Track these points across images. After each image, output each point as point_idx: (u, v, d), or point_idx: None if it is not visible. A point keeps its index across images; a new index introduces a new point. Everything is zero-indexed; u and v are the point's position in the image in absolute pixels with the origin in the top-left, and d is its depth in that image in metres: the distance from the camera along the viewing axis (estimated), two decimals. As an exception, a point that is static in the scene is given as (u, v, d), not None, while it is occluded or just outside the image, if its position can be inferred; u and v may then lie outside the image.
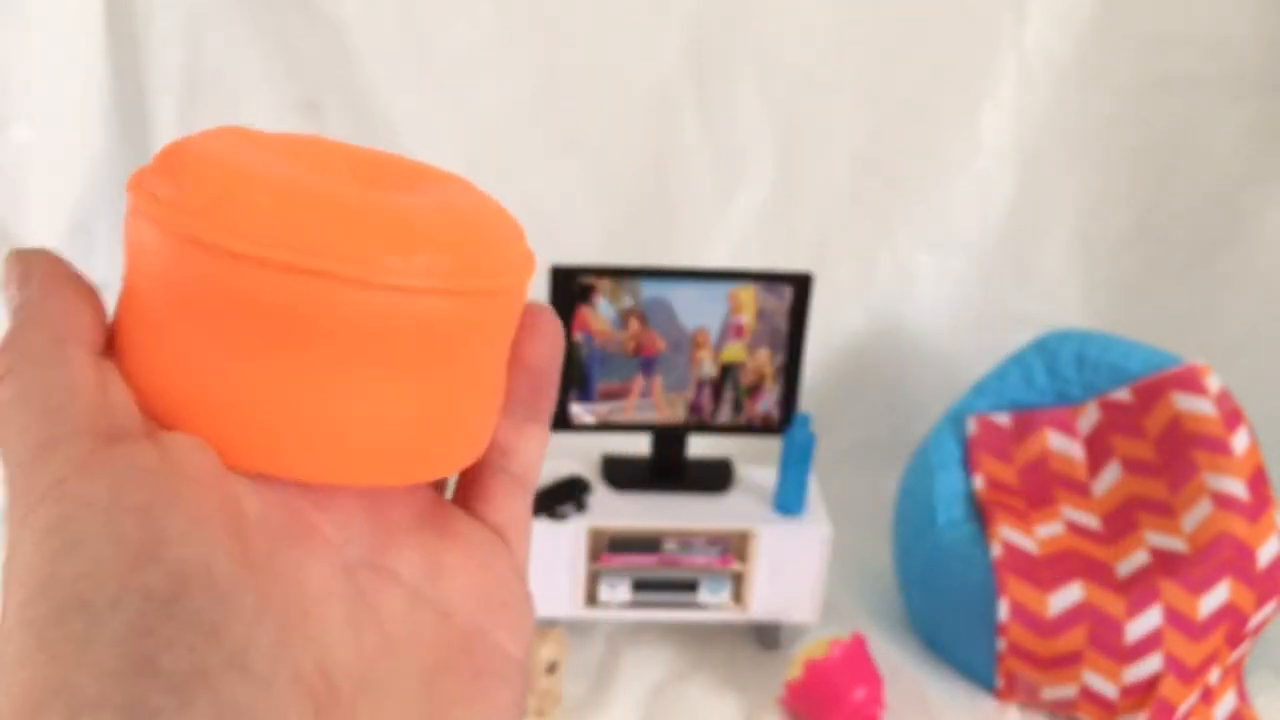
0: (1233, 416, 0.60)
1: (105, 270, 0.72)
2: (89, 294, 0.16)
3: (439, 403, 0.16)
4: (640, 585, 0.61)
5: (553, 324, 0.18)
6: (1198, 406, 0.60)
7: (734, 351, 0.62)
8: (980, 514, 0.64)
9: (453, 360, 0.16)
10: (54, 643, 0.11)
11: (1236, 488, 0.58)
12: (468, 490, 0.17)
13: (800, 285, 0.60)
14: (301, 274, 0.14)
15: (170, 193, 0.15)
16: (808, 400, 0.69)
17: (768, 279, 0.60)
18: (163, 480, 0.13)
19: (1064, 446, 0.65)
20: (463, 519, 0.17)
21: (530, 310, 0.18)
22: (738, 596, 0.62)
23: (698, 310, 0.61)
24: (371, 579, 0.15)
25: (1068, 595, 0.60)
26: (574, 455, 0.64)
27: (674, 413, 0.63)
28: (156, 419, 0.15)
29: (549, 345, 0.18)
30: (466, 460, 0.17)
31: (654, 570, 0.61)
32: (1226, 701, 0.61)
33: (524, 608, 0.16)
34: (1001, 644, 0.60)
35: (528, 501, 0.17)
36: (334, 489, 0.16)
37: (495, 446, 0.17)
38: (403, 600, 0.16)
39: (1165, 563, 0.59)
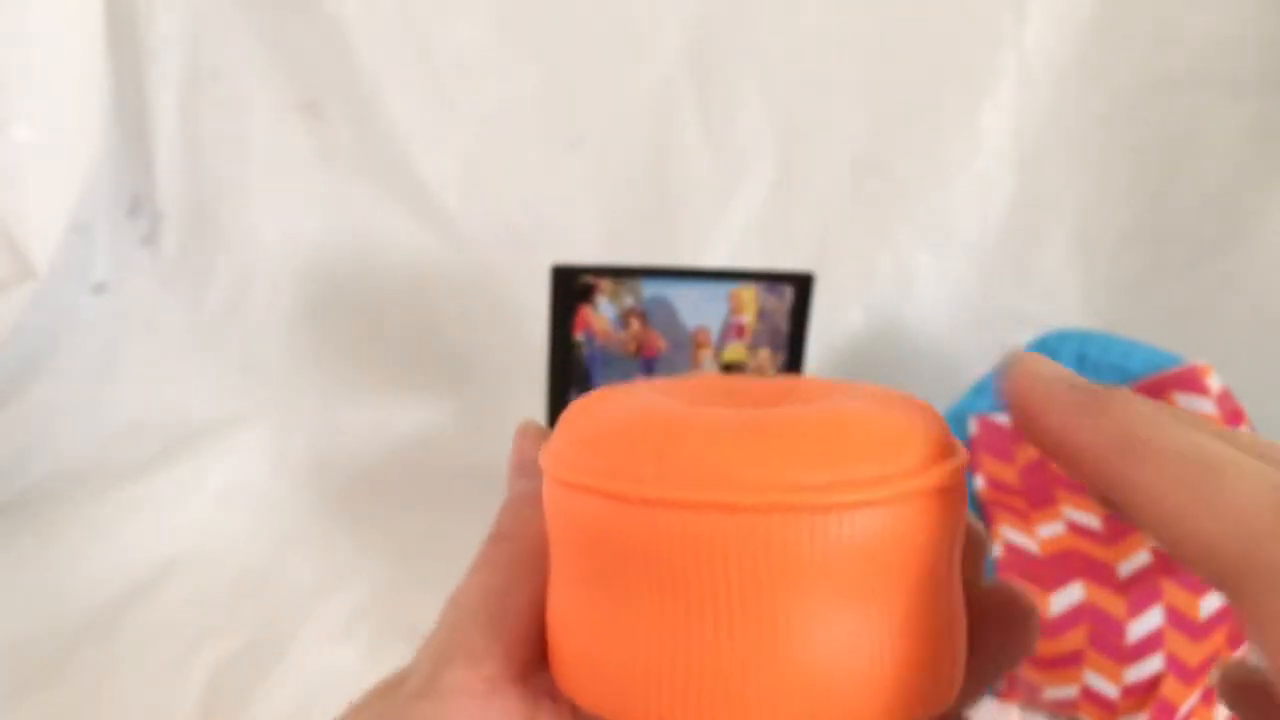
0: (1233, 416, 0.60)
1: (105, 270, 0.72)
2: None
3: (890, 634, 0.14)
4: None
5: (1026, 613, 0.17)
6: (1198, 406, 0.60)
7: (735, 351, 0.62)
8: (981, 514, 0.64)
9: (895, 581, 0.14)
10: None
11: (1237, 487, 0.58)
12: None
13: (801, 285, 0.60)
14: (739, 511, 0.13)
15: (590, 460, 0.14)
16: (808, 400, 0.69)
17: (768, 279, 0.60)
18: None
19: (1064, 446, 0.64)
20: None
21: (1002, 595, 0.17)
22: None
23: (699, 310, 0.61)
24: None
25: (1069, 595, 0.60)
26: (574, 455, 0.64)
27: (674, 413, 0.62)
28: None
29: (1019, 641, 0.16)
30: (937, 707, 0.15)
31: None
32: (1227, 701, 0.61)
33: None
34: (1002, 644, 0.60)
35: None
36: None
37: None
38: None
39: (1166, 563, 0.59)
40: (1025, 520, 0.64)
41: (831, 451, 0.14)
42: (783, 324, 0.61)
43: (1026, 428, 0.16)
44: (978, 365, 0.72)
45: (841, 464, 0.13)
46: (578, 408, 0.16)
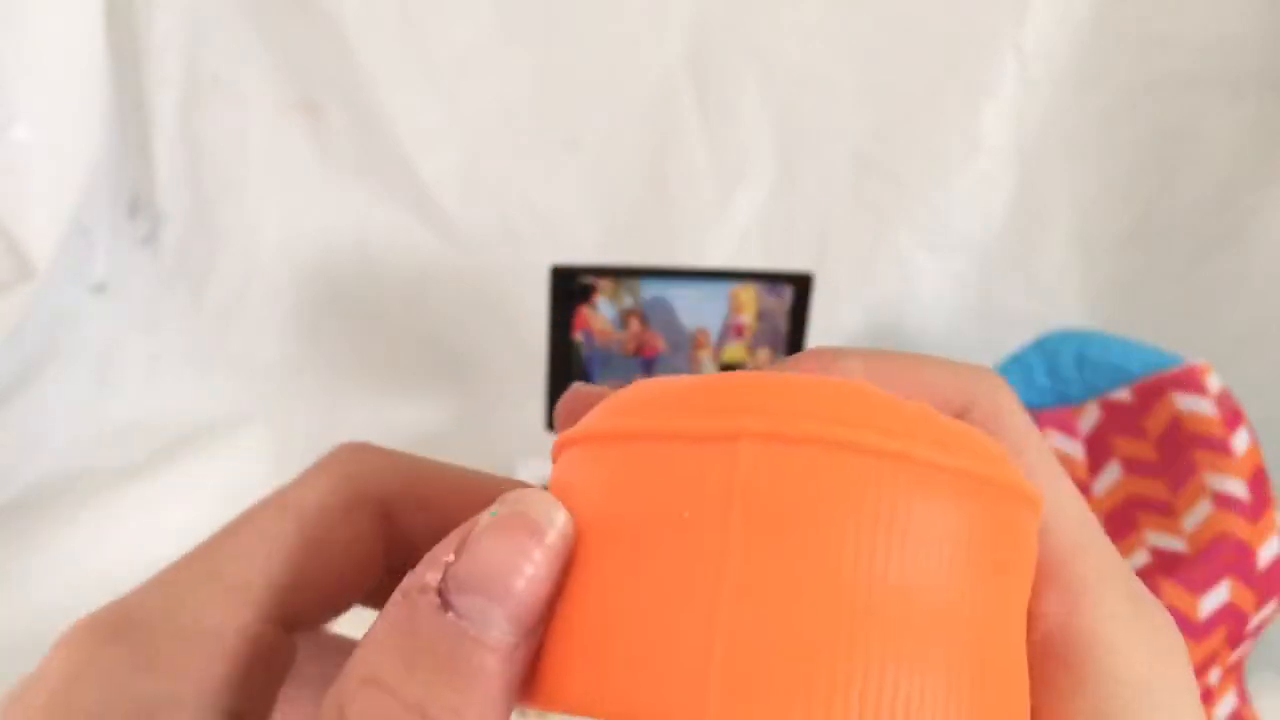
0: (1233, 416, 0.60)
1: (105, 270, 0.72)
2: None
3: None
4: (640, 585, 0.61)
5: None
6: (1198, 406, 0.60)
7: (734, 352, 0.62)
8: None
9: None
10: None
11: (1237, 488, 0.58)
12: None
13: (800, 285, 0.60)
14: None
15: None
16: (808, 400, 0.69)
17: (768, 279, 0.60)
18: None
19: (1064, 446, 0.65)
20: None
21: None
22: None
23: (698, 310, 0.61)
24: None
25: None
26: (574, 455, 0.64)
27: (674, 413, 0.63)
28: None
29: None
30: None
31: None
32: (1226, 702, 0.61)
33: None
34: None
35: None
36: None
37: None
38: None
39: (1165, 563, 0.59)
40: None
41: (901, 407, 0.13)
42: (782, 324, 0.61)
43: None
44: (977, 365, 0.72)
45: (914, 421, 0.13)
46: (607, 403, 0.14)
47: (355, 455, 0.18)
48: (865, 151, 0.75)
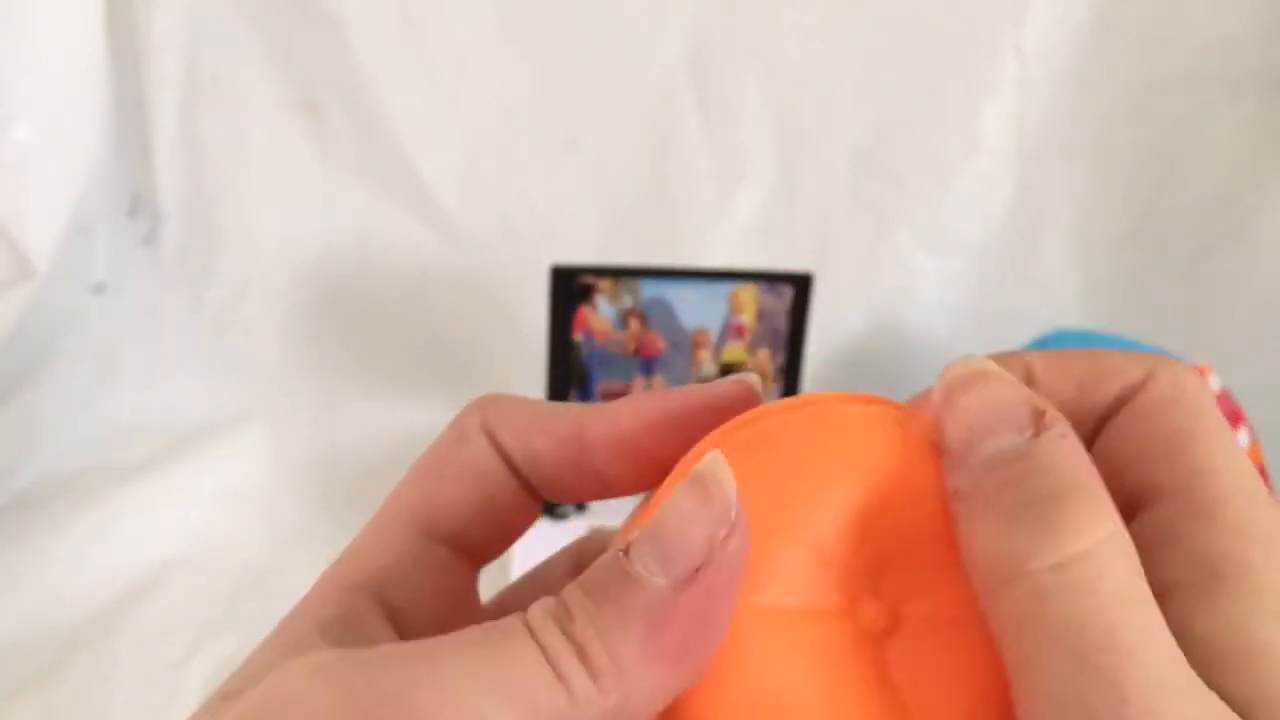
0: (1233, 416, 0.60)
1: (105, 270, 0.72)
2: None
3: None
4: (640, 585, 0.61)
5: None
6: (1198, 406, 0.60)
7: (734, 352, 0.62)
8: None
9: None
10: None
11: (1237, 488, 0.58)
12: None
13: (800, 285, 0.60)
14: None
15: None
16: (808, 400, 0.69)
17: (768, 279, 0.60)
18: None
19: (1064, 446, 0.64)
20: None
21: None
22: (738, 596, 0.62)
23: (698, 310, 0.61)
24: None
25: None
26: (574, 455, 0.64)
27: (674, 413, 0.63)
28: None
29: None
30: None
31: (654, 570, 0.61)
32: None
33: None
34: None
35: None
36: None
37: None
38: None
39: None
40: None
41: None
42: (782, 324, 0.61)
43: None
44: (977, 365, 0.72)
45: None
46: None
47: (496, 407, 0.20)
48: (865, 151, 0.75)
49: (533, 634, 0.13)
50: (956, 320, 0.79)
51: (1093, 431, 0.17)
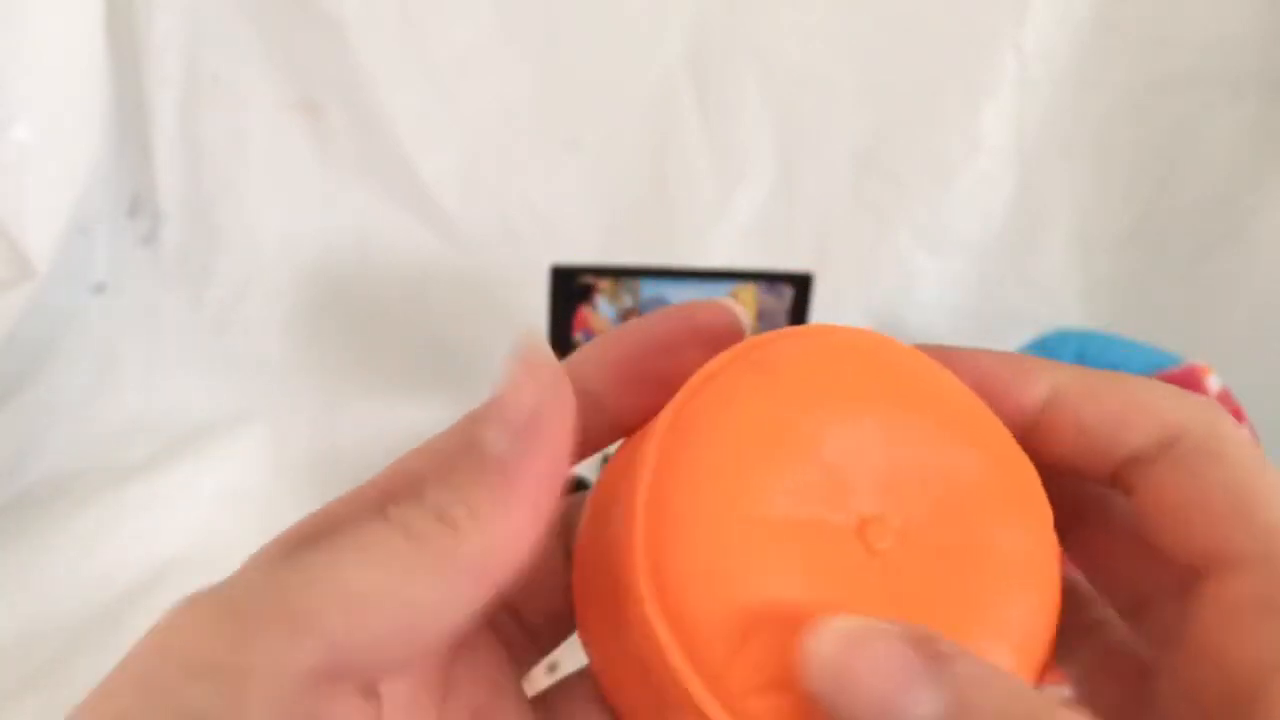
0: (1233, 417, 0.60)
1: (105, 270, 0.72)
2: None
3: None
4: (640, 585, 0.61)
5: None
6: (1198, 406, 0.60)
7: (734, 351, 0.62)
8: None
9: None
10: None
11: (1237, 488, 0.58)
12: None
13: (800, 285, 0.60)
14: None
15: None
16: (808, 400, 0.69)
17: (768, 279, 0.60)
18: None
19: (1064, 446, 0.64)
20: None
21: None
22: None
23: (698, 310, 0.61)
24: None
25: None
26: (574, 455, 0.64)
27: (674, 413, 0.63)
28: None
29: None
30: None
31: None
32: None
33: None
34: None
35: None
36: None
37: None
38: None
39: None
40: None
41: None
42: (782, 324, 0.61)
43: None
44: (977, 365, 0.72)
45: None
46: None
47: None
48: (865, 151, 0.75)
49: (389, 518, 0.14)
50: (956, 320, 0.79)
51: (1119, 468, 0.16)
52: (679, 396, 0.16)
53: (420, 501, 0.15)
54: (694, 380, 0.16)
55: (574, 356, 0.18)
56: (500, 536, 0.14)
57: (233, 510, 0.64)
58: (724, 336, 0.17)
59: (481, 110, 0.72)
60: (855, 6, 0.71)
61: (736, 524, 0.15)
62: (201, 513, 0.64)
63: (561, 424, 0.15)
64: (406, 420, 0.72)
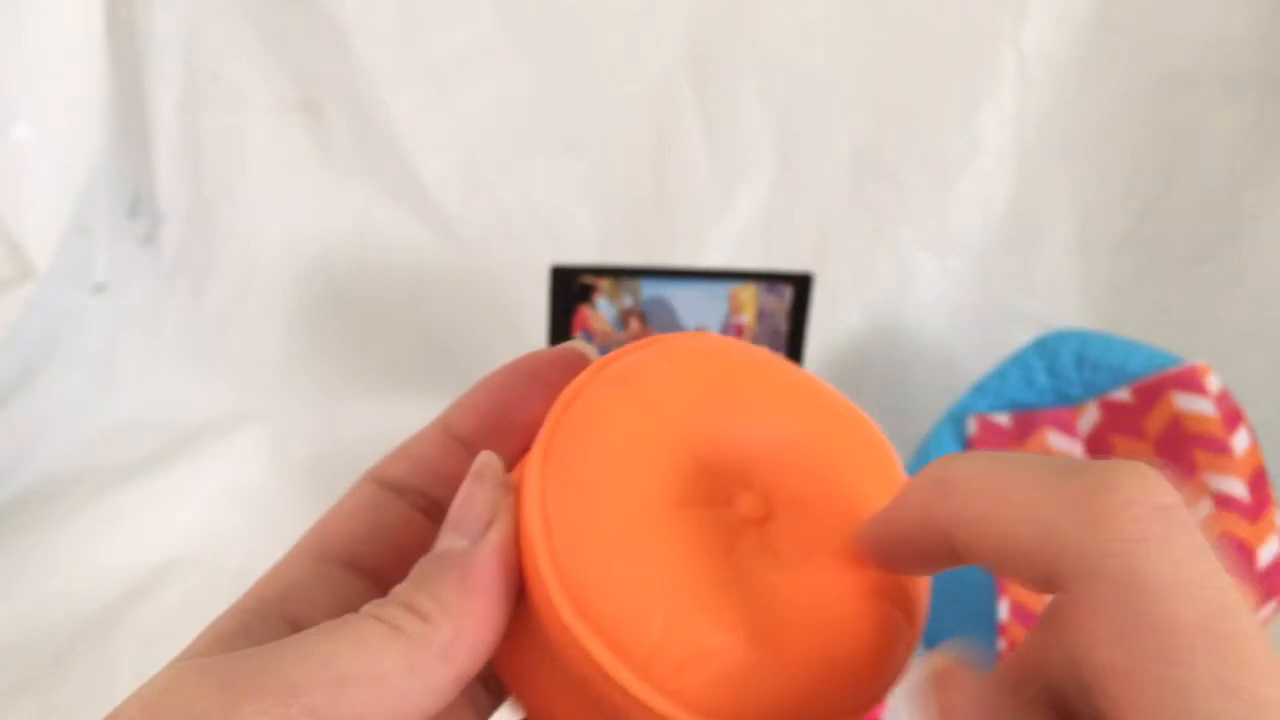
0: (1233, 416, 0.60)
1: (105, 270, 0.72)
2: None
3: None
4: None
5: None
6: (1198, 406, 0.60)
7: (734, 351, 0.62)
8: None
9: None
10: None
11: (1237, 488, 0.58)
12: None
13: (800, 285, 0.60)
14: None
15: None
16: (808, 400, 0.69)
17: (768, 279, 0.60)
18: None
19: (1064, 446, 0.65)
20: None
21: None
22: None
23: (698, 310, 0.61)
24: None
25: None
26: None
27: (674, 413, 0.63)
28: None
29: None
30: None
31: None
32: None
33: None
34: (1002, 644, 0.60)
35: None
36: None
37: None
38: None
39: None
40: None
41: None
42: (782, 324, 0.61)
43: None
44: (978, 365, 0.72)
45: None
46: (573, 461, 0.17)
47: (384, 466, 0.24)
48: (865, 151, 0.75)
49: (371, 613, 0.16)
50: (956, 320, 0.79)
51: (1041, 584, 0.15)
52: (548, 423, 0.18)
53: (395, 598, 0.16)
54: (558, 405, 0.18)
55: (447, 412, 0.21)
56: (466, 623, 0.16)
57: (232, 510, 0.64)
58: (576, 367, 0.19)
59: (481, 110, 0.72)
60: (855, 6, 0.71)
61: (628, 521, 0.16)
62: (201, 512, 0.64)
63: (508, 524, 0.17)
64: (406, 420, 0.72)
